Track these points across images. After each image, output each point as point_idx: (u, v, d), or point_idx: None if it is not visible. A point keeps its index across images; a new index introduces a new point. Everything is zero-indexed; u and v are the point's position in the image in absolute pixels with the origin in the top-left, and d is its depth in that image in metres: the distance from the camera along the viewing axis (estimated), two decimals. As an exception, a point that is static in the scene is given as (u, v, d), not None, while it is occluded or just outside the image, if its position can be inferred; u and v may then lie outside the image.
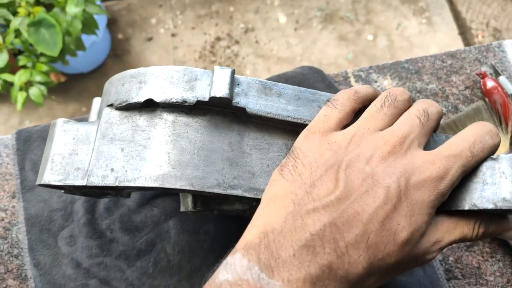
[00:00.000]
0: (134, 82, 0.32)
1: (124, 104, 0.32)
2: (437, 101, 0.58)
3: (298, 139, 0.32)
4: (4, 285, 0.51)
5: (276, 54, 1.79)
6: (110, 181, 0.31)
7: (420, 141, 0.30)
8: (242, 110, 0.32)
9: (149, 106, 0.32)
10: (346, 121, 0.32)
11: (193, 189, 0.31)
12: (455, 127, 0.55)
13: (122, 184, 0.31)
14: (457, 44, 1.73)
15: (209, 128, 0.32)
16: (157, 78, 0.32)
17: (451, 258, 0.52)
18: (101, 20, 1.51)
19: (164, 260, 0.50)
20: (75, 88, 1.74)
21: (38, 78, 1.32)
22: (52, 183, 0.32)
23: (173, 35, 1.78)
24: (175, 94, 0.31)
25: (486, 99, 0.57)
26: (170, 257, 0.50)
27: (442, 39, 1.75)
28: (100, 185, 0.31)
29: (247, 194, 0.32)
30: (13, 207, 0.53)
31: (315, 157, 0.30)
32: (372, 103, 0.33)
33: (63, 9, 1.22)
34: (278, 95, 0.33)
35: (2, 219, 0.53)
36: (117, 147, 0.32)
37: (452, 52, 0.60)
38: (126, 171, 0.31)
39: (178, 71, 0.32)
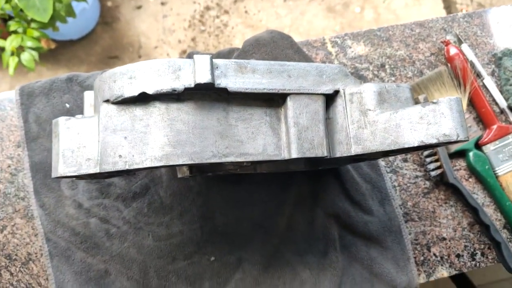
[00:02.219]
0: (125, 78, 0.37)
1: (120, 99, 0.36)
2: (404, 66, 0.64)
3: None
4: (12, 223, 0.57)
5: (265, 24, 1.82)
6: (120, 166, 0.36)
7: None
8: (224, 90, 0.37)
9: (142, 98, 0.36)
10: None
11: (194, 162, 0.37)
12: (419, 89, 0.61)
13: (131, 167, 0.36)
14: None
15: (198, 109, 0.37)
16: (145, 72, 0.36)
17: (409, 203, 0.59)
18: (91, -14, 1.52)
19: (157, 202, 0.56)
20: (64, 55, 1.76)
21: (29, 43, 1.34)
22: (68, 174, 0.37)
23: (162, 3, 1.79)
24: (165, 85, 0.36)
25: (449, 65, 0.63)
26: (163, 199, 0.56)
27: (427, 12, 1.80)
28: (112, 170, 0.36)
29: (239, 159, 0.38)
30: (18, 155, 0.59)
31: None
32: None
33: (53, -26, 1.23)
34: (252, 72, 0.39)
35: (9, 166, 0.58)
36: (120, 136, 0.36)
37: (420, 22, 0.66)
38: (133, 155, 0.36)
39: (163, 63, 0.36)
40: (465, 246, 0.59)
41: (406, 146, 0.37)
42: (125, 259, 0.54)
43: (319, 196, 0.57)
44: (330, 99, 0.42)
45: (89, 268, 0.54)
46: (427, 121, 0.36)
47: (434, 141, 0.35)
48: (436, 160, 0.59)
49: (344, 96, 0.41)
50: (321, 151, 0.40)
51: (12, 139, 0.59)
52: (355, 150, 0.40)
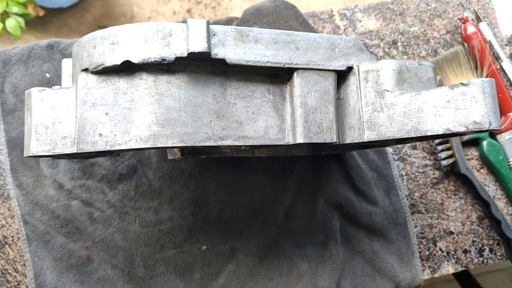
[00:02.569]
0: (106, 43, 0.31)
1: (100, 68, 0.31)
2: (418, 44, 0.59)
3: None
4: (-13, 204, 0.52)
5: (264, -2, 1.74)
6: (100, 146, 0.31)
7: None
8: (222, 61, 0.32)
9: (126, 68, 0.31)
10: None
11: (185, 145, 0.32)
12: (433, 70, 0.56)
13: (113, 148, 0.31)
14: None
15: (191, 83, 0.32)
16: (130, 37, 0.31)
17: (416, 194, 0.55)
18: (82, -51, 1.43)
19: (145, 185, 0.52)
20: (54, 23, 1.68)
21: (15, 9, 1.27)
22: (41, 153, 0.32)
23: (157, -29, 1.71)
24: (152, 53, 0.31)
25: (465, 44, 0.58)
26: (151, 182, 0.52)
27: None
28: (91, 151, 0.31)
29: (237, 143, 0.33)
30: (-6, 129, 0.53)
31: None
32: None
33: None
34: (255, 41, 0.33)
35: (-17, 141, 0.53)
36: (101, 112, 0.31)
37: (437, -4, 0.60)
38: (115, 135, 0.31)
39: (151, 27, 0.31)
40: (473, 241, 0.55)
41: (429, 133, 0.32)
42: (110, 245, 0.50)
43: (321, 183, 0.53)
44: (341, 76, 0.37)
45: (70, 255, 0.50)
46: (455, 105, 0.31)
47: (462, 129, 0.31)
48: (448, 149, 0.55)
49: (358, 74, 0.36)
50: (330, 136, 0.35)
51: (-13, 111, 0.54)
52: (368, 136, 0.35)
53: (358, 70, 0.36)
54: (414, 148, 0.56)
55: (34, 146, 0.32)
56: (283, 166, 0.53)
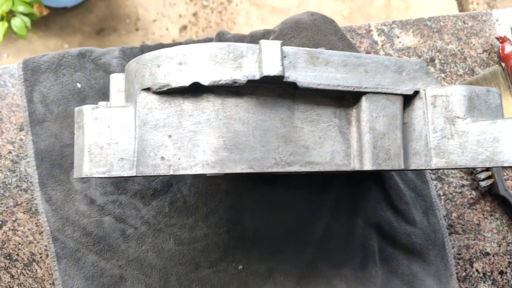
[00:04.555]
0: (172, 63, 0.30)
1: (165, 89, 0.30)
2: (455, 62, 0.58)
3: None
4: (13, 218, 0.50)
5: (271, 3, 1.73)
6: (163, 170, 0.30)
7: None
8: (292, 84, 0.31)
9: (193, 89, 0.30)
10: None
11: (254, 171, 0.30)
12: (472, 89, 0.56)
13: (177, 173, 0.30)
14: (451, 9, 1.73)
15: (259, 107, 0.31)
16: (199, 57, 0.30)
17: (454, 215, 0.55)
18: (90, -51, 1.41)
19: (180, 201, 0.50)
20: (57, 23, 1.64)
21: (21, 8, 1.24)
22: (95, 175, 0.30)
23: (164, -27, 1.68)
24: (223, 75, 0.29)
25: (503, 64, 0.58)
26: (186, 198, 0.50)
27: (438, 3, 1.74)
28: (152, 174, 0.30)
29: (304, 169, 0.32)
30: (21, 140, 0.51)
31: None
32: None
33: None
34: (325, 64, 0.32)
35: (10, 152, 0.51)
36: (163, 134, 0.30)
37: (474, 14, 0.60)
38: (179, 158, 0.30)
39: (222, 48, 0.30)
40: (509, 263, 0.55)
41: (506, 164, 0.31)
42: (144, 264, 0.48)
43: (359, 202, 0.52)
44: (406, 100, 0.36)
45: (101, 273, 0.48)
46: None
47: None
48: (487, 169, 0.54)
49: (425, 99, 0.35)
50: (398, 163, 0.34)
51: (14, 120, 0.52)
52: (436, 163, 0.34)
53: (425, 94, 0.35)
54: (452, 167, 0.56)
55: (87, 167, 0.30)
56: (321, 184, 0.52)
